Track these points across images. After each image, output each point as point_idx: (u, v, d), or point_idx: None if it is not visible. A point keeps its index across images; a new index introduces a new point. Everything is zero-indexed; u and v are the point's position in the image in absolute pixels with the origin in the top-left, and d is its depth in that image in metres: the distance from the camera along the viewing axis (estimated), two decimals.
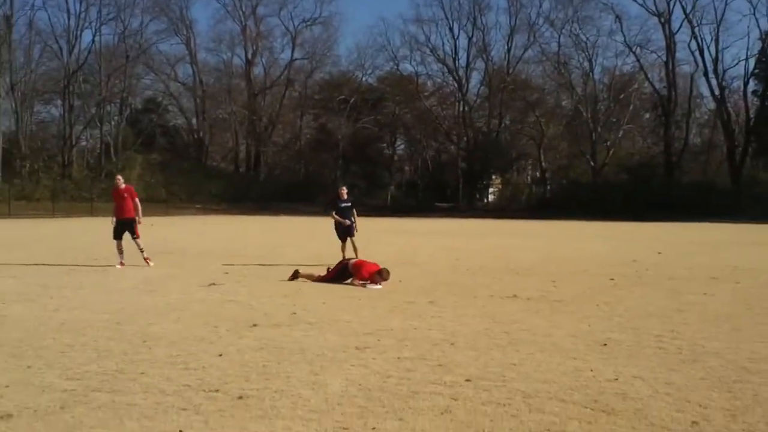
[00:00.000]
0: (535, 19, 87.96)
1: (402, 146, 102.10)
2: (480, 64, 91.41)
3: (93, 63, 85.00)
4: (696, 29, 78.80)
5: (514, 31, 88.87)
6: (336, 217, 19.52)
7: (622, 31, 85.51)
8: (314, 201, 74.31)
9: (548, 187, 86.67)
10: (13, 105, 78.35)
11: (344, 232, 19.49)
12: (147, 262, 18.42)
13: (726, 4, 77.52)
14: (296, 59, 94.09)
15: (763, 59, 77.83)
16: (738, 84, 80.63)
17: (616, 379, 7.13)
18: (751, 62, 78.68)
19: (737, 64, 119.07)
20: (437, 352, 8.33)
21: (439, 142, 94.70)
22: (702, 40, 79.59)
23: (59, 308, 11.47)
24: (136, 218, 18.90)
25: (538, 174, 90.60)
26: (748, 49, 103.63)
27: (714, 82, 78.55)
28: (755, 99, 79.91)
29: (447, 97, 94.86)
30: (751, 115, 78.55)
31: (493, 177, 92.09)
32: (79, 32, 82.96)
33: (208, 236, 33.95)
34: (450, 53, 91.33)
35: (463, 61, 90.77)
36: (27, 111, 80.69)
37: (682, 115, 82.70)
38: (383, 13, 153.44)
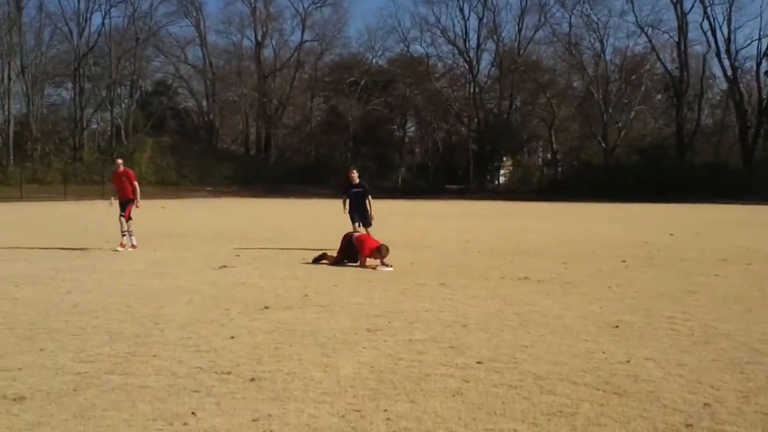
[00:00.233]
0: None
1: (412, 128, 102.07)
2: (491, 45, 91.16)
3: (103, 45, 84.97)
4: (708, 9, 78.27)
5: (525, 11, 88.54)
6: (344, 204, 18.43)
7: (633, 12, 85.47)
8: (325, 183, 74.39)
9: (559, 169, 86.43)
10: (24, 88, 78.40)
11: (357, 221, 18.08)
12: (121, 246, 18.20)
13: None
14: (306, 41, 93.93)
15: None
16: (750, 64, 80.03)
17: (628, 361, 7.12)
18: (764, 42, 79.11)
19: (750, 44, 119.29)
20: (449, 334, 8.33)
21: (449, 123, 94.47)
22: (714, 20, 79.15)
23: (72, 291, 11.51)
24: (135, 201, 18.89)
25: (549, 155, 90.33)
26: (760, 29, 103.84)
27: (726, 62, 78.09)
28: None
29: (457, 78, 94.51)
30: (764, 96, 77.79)
31: (504, 159, 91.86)
32: (89, 15, 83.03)
33: (219, 219, 33.98)
34: (460, 34, 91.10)
35: (473, 42, 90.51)
36: (38, 94, 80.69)
37: (694, 96, 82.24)
38: None
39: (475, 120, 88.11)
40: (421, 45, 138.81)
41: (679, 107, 80.00)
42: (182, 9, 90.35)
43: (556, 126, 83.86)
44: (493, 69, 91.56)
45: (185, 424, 5.33)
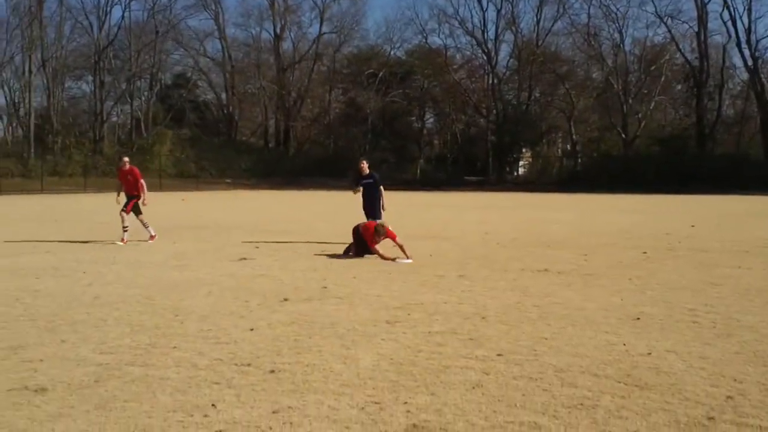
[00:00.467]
0: None
1: (431, 120, 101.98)
2: (509, 36, 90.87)
3: (123, 39, 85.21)
4: None
5: (544, 2, 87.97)
6: (354, 190, 17.93)
7: (652, 2, 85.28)
8: (344, 175, 74.36)
9: (579, 160, 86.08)
10: (45, 81, 78.77)
11: (366, 212, 17.55)
12: (122, 241, 18.09)
13: None
14: (324, 33, 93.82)
15: None
16: None
17: (650, 354, 7.08)
18: None
19: None
20: (468, 326, 8.32)
21: (468, 115, 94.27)
22: (734, 10, 78.66)
23: (92, 283, 11.56)
24: (142, 198, 18.84)
25: (568, 147, 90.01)
26: None
27: (747, 52, 77.44)
28: None
29: (476, 69, 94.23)
30: None
31: (523, 150, 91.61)
32: (108, 8, 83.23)
33: (239, 211, 34.06)
34: (479, 25, 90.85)
35: (492, 34, 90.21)
36: (58, 87, 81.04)
37: (714, 87, 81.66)
38: None
39: (494, 111, 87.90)
40: (439, 36, 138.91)
41: (700, 98, 79.52)
42: (201, 2, 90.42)
43: (576, 117, 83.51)
44: (511, 60, 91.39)
45: (205, 415, 5.34)
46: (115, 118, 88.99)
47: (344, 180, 69.06)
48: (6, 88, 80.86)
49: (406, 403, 5.62)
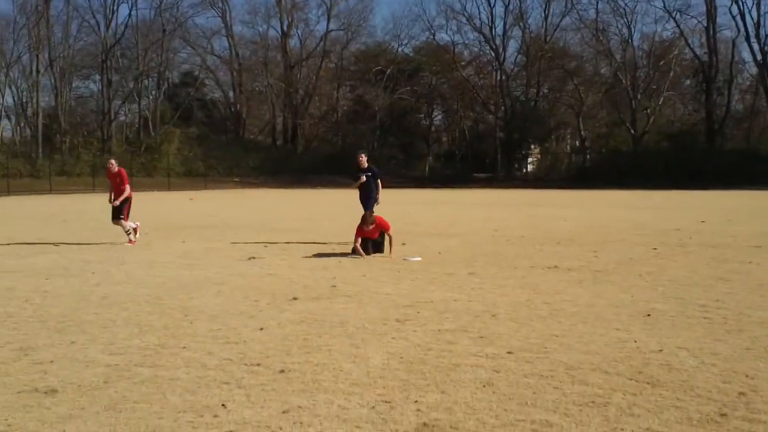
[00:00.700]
0: None
1: (439, 117, 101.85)
2: (517, 32, 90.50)
3: (130, 37, 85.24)
4: None
5: None
6: (358, 182, 17.78)
7: None
8: (352, 173, 74.30)
9: (588, 156, 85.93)
10: (52, 81, 78.94)
11: (363, 203, 17.42)
12: (130, 243, 17.92)
13: None
14: (332, 30, 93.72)
15: None
16: None
17: (661, 350, 7.06)
18: None
19: None
20: (478, 324, 8.30)
21: (476, 112, 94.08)
22: (743, 5, 78.12)
23: (101, 283, 11.57)
24: (118, 198, 18.44)
25: (577, 143, 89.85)
26: None
27: (756, 46, 77.08)
28: None
29: (484, 66, 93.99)
30: None
31: (532, 146, 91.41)
32: (115, 7, 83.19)
33: (247, 210, 34.10)
34: (486, 22, 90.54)
35: (499, 30, 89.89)
36: (66, 86, 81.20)
37: (723, 81, 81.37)
38: None
39: (502, 108, 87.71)
40: (446, 33, 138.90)
41: (709, 93, 79.25)
42: (208, 0, 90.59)
43: (584, 113, 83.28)
44: (519, 56, 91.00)
45: (215, 416, 5.33)
46: (123, 117, 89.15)
47: (353, 178, 68.98)
48: (14, 88, 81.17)
49: (416, 401, 5.61)
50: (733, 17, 78.59)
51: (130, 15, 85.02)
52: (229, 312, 9.09)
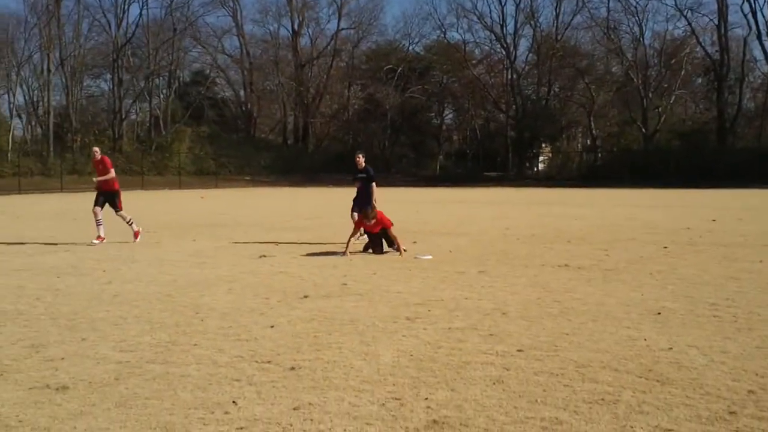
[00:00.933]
0: None
1: (450, 115, 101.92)
2: (528, 30, 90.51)
3: (141, 36, 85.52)
4: None
5: None
6: (355, 183, 17.61)
7: None
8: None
9: (599, 155, 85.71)
10: (63, 80, 79.16)
11: (357, 204, 17.09)
12: (135, 237, 18.00)
13: None
14: (342, 29, 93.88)
15: None
16: None
17: (671, 348, 7.05)
18: None
19: None
20: (488, 322, 8.30)
21: (487, 110, 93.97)
22: (755, 3, 77.83)
23: (112, 281, 11.60)
24: (99, 181, 18.21)
25: (588, 142, 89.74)
26: None
27: None
28: None
29: (495, 64, 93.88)
30: None
31: (543, 145, 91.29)
32: (126, 6, 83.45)
33: (258, 208, 34.14)
34: (497, 20, 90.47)
35: (510, 28, 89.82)
36: (77, 85, 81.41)
37: (735, 80, 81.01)
38: None
39: (513, 106, 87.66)
40: (457, 31, 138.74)
41: (720, 91, 78.96)
42: None
43: (595, 112, 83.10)
44: (530, 55, 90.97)
45: (226, 412, 5.35)
46: (133, 116, 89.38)
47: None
48: (25, 87, 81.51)
49: (426, 399, 5.61)
50: (745, 15, 78.42)
51: (141, 14, 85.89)
52: (239, 309, 9.12)
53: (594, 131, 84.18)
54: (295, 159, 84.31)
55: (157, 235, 19.18)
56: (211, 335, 7.73)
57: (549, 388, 5.87)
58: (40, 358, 6.87)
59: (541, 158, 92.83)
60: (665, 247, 15.94)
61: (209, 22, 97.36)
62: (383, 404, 5.51)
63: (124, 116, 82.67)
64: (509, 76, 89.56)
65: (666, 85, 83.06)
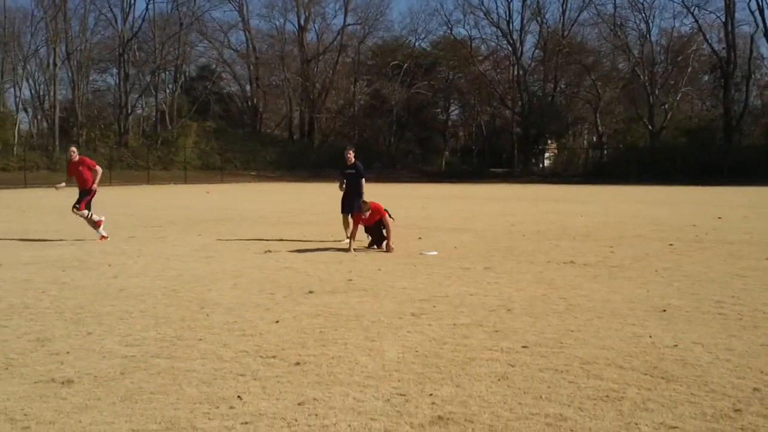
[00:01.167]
0: None
1: (456, 111, 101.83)
2: (534, 27, 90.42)
3: (147, 31, 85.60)
4: None
5: None
6: (340, 185, 17.31)
7: None
8: (369, 167, 74.16)
9: (605, 152, 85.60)
10: (70, 74, 79.37)
11: (343, 203, 17.07)
12: (101, 239, 17.05)
13: None
14: (349, 25, 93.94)
15: None
16: None
17: (676, 346, 7.05)
18: None
19: None
20: (494, 319, 8.31)
21: (493, 106, 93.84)
22: (762, 0, 77.81)
23: (118, 275, 11.62)
24: (94, 182, 17.53)
25: (594, 138, 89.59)
26: None
27: None
28: None
29: (501, 61, 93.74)
30: None
31: (549, 142, 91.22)
32: (132, 0, 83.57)
33: (264, 203, 34.15)
34: (504, 16, 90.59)
35: (517, 24, 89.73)
36: (83, 80, 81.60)
37: (741, 77, 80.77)
38: None
39: (519, 103, 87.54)
40: (464, 27, 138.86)
41: (727, 88, 78.75)
42: None
43: (602, 108, 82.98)
44: (537, 51, 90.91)
45: (231, 407, 5.36)
46: (139, 111, 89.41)
47: (369, 172, 68.88)
48: (31, 81, 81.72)
49: (431, 394, 5.62)
50: (752, 12, 78.58)
51: (147, 8, 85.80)
52: (245, 305, 9.13)
53: (600, 128, 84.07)
54: (300, 154, 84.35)
55: (162, 229, 19.19)
56: (217, 330, 7.74)
57: (554, 384, 5.88)
58: (45, 351, 6.88)
59: (546, 155, 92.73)
60: (671, 245, 15.93)
61: (215, 17, 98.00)
62: (388, 400, 5.51)
63: (130, 111, 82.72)
64: (515, 73, 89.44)
65: (672, 82, 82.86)
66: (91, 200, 17.52)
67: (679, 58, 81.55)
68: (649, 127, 79.98)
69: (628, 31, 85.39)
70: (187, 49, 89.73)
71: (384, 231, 15.22)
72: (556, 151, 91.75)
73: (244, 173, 76.63)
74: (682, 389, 5.74)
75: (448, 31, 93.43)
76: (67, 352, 6.84)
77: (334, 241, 16.71)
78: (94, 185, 17.48)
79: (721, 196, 40.40)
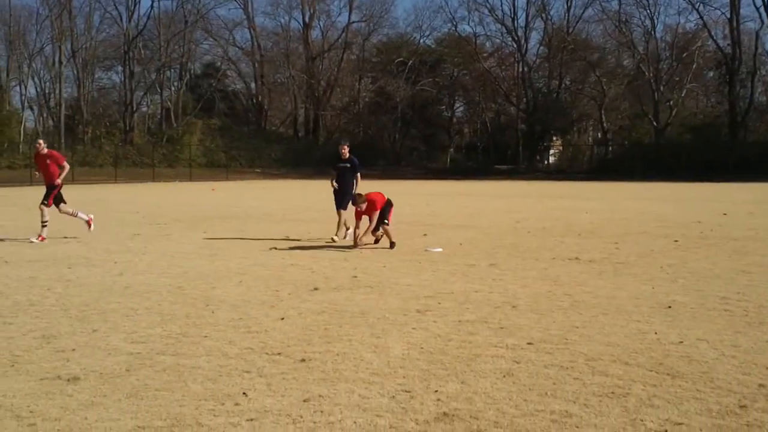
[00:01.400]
0: None
1: (461, 108, 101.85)
2: (539, 23, 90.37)
3: (152, 29, 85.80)
4: None
5: None
6: (332, 181, 17.39)
7: None
8: (374, 164, 74.29)
9: (610, 149, 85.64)
10: (75, 72, 79.55)
11: (337, 200, 17.21)
12: (39, 239, 16.42)
13: None
14: (353, 22, 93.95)
15: None
16: None
17: (681, 342, 7.05)
18: None
19: None
20: (499, 315, 8.30)
21: (498, 103, 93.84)
22: None
23: (123, 272, 11.63)
24: (59, 177, 17.00)
25: (599, 135, 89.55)
26: None
27: None
28: None
29: (506, 58, 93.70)
30: None
31: (554, 138, 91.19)
32: None
33: (269, 201, 34.17)
34: (509, 13, 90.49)
35: (522, 21, 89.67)
36: (88, 77, 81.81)
37: (746, 73, 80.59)
38: None
39: (524, 100, 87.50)
40: (468, 24, 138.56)
41: (732, 85, 78.62)
42: None
43: (606, 105, 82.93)
44: (541, 48, 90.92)
45: (236, 404, 5.36)
46: (144, 108, 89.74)
47: (374, 169, 68.91)
48: (36, 79, 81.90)
49: (436, 391, 5.62)
50: (757, 9, 78.16)
51: (152, 6, 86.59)
52: (250, 302, 9.13)
53: (605, 124, 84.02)
54: (305, 152, 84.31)
55: (168, 227, 19.20)
56: (222, 327, 7.75)
57: (559, 381, 5.88)
58: (51, 348, 6.89)
59: (551, 151, 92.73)
60: (676, 241, 15.91)
61: (220, 15, 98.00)
62: (393, 396, 5.52)
63: (135, 108, 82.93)
64: (520, 69, 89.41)
65: (677, 79, 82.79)
66: (56, 194, 17.11)
67: (684, 54, 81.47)
68: (654, 123, 79.91)
69: (633, 28, 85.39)
70: (192, 46, 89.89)
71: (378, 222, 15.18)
72: (560, 147, 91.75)
73: (249, 170, 76.69)
74: (688, 385, 5.74)
75: (453, 28, 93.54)
76: (73, 349, 6.85)
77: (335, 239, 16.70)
78: (59, 180, 17.09)
79: (726, 193, 40.35)
